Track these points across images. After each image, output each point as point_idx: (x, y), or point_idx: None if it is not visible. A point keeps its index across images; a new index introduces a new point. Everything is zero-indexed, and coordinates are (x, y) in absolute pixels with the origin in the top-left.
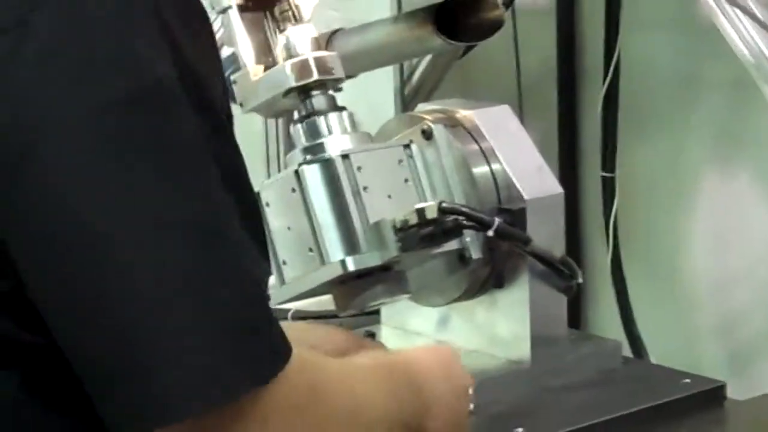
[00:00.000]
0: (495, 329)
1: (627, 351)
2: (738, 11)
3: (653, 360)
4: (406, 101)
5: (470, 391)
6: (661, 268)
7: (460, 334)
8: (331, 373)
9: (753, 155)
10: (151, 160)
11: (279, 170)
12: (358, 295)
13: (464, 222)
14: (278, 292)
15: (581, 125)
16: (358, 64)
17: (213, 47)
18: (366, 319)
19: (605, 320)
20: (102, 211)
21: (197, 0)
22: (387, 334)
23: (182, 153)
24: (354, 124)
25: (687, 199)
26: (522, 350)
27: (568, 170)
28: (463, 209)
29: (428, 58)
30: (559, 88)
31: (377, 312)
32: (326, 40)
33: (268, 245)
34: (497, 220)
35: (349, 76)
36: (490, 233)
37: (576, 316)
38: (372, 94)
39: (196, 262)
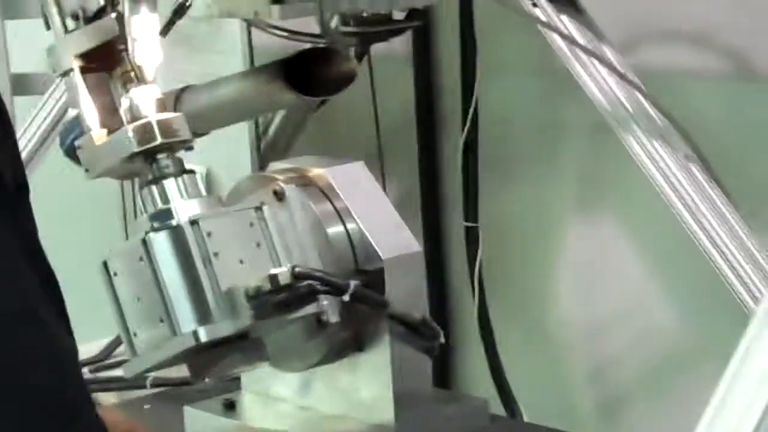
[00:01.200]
0: (358, 393)
1: (500, 408)
2: (594, 60)
3: (527, 415)
4: (263, 157)
5: None
6: (531, 319)
7: (323, 399)
8: None
9: (616, 200)
10: None
11: None
12: (214, 364)
13: (319, 287)
14: (130, 365)
15: (443, 175)
16: (208, 121)
17: None
18: (226, 385)
19: (476, 376)
20: None
21: None
22: (249, 401)
23: None
24: (202, 186)
25: (553, 246)
26: (386, 413)
27: (432, 222)
28: (317, 274)
29: (282, 112)
30: (418, 137)
31: (238, 378)
32: (175, 98)
33: (68, 317)
34: (352, 284)
35: (199, 134)
36: (346, 298)
37: (446, 374)
38: (228, 150)
39: (6, 348)
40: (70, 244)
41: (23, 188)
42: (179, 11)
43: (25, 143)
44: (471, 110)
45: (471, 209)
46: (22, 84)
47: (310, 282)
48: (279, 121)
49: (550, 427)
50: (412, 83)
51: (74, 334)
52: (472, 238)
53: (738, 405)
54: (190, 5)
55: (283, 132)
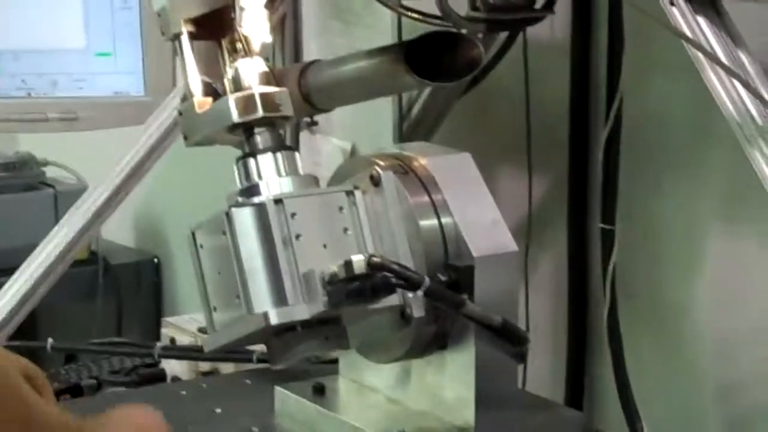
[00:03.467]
0: (443, 392)
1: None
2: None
3: (648, 427)
4: (405, 136)
5: None
6: (663, 329)
7: (412, 394)
8: None
9: (765, 213)
10: None
11: None
12: (292, 346)
13: (393, 280)
14: (209, 339)
15: (591, 172)
16: (331, 97)
17: None
18: (322, 368)
19: (605, 382)
20: None
21: None
22: (340, 387)
23: None
24: (299, 165)
25: (693, 255)
26: (466, 416)
27: (576, 219)
28: (393, 266)
29: (426, 92)
30: (570, 131)
31: (335, 361)
32: (300, 71)
33: None
34: (427, 280)
35: (323, 110)
36: (419, 293)
37: (577, 377)
38: (372, 127)
39: None
40: None
41: None
42: None
43: None
44: (614, 107)
45: (608, 210)
46: None
47: (384, 273)
48: (423, 102)
49: None
50: (568, 74)
51: None
52: (606, 240)
53: None
54: None
55: (426, 113)
